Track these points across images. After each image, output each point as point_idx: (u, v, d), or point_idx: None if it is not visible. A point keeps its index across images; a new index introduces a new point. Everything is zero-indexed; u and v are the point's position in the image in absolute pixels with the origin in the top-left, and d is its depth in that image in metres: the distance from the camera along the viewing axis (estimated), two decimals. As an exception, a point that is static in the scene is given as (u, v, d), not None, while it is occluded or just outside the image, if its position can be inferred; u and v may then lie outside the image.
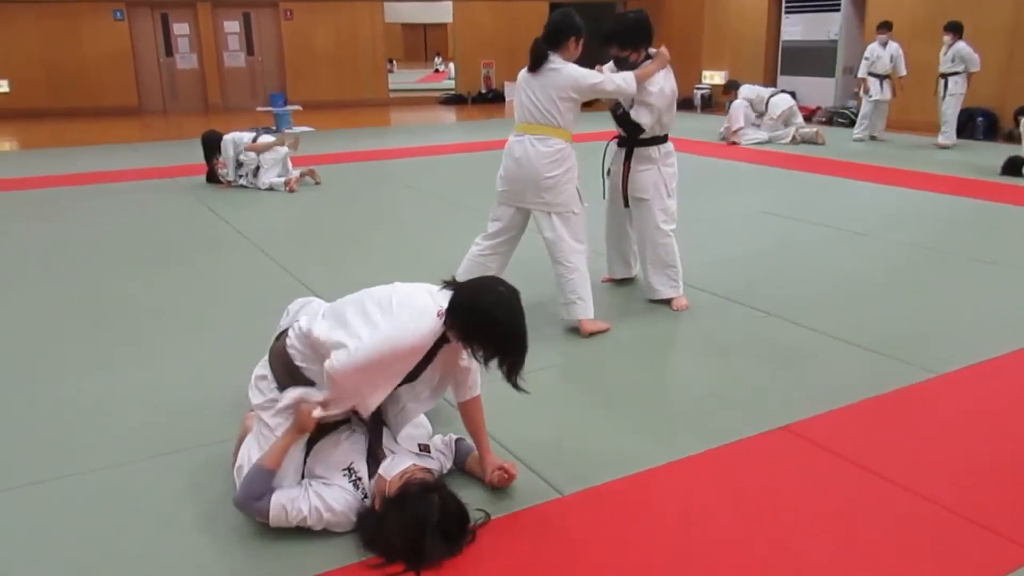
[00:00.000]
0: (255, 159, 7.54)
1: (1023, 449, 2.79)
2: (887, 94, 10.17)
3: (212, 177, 7.78)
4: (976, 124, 10.48)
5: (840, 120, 12.10)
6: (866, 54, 10.16)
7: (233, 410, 2.91)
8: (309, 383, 2.40)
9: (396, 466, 2.29)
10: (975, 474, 2.62)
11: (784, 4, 13.80)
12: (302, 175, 7.71)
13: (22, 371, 3.52)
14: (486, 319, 2.25)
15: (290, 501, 2.25)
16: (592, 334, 3.83)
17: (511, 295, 2.30)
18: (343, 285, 4.51)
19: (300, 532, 2.31)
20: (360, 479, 2.33)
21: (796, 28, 13.60)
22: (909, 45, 10.15)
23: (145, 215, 6.59)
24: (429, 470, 2.33)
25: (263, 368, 2.53)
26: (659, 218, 4.16)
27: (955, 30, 9.45)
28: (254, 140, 7.59)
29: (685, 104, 14.89)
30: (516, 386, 2.33)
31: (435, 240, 5.74)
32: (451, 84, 18.63)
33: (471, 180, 8.20)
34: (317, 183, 7.74)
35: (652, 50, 4.01)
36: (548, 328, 3.93)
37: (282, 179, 7.51)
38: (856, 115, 11.59)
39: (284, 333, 2.55)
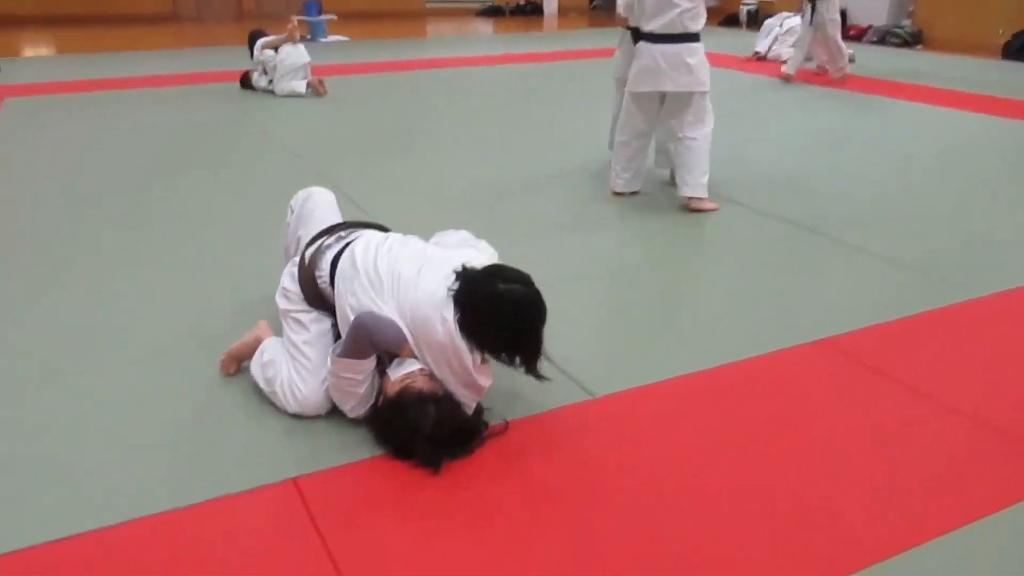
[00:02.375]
0: (273, 58, 7.37)
1: (1069, 369, 2.71)
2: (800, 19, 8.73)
3: (246, 83, 7.68)
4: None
5: (893, 40, 11.61)
6: None
7: (264, 310, 2.92)
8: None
9: (401, 368, 2.24)
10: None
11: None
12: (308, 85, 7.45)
13: (56, 266, 3.54)
14: (491, 327, 2.16)
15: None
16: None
17: (516, 290, 2.16)
18: (376, 190, 4.54)
19: (328, 422, 2.33)
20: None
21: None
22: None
23: (181, 118, 6.55)
24: (433, 376, 2.24)
25: (292, 282, 2.50)
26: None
27: None
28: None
29: (731, 20, 14.40)
30: (537, 376, 2.26)
31: (471, 149, 5.65)
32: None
33: (509, 91, 8.04)
34: (322, 94, 7.45)
35: None
36: (591, 235, 3.89)
37: (304, 80, 7.37)
38: (909, 35, 11.17)
39: (313, 252, 2.50)
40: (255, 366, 2.51)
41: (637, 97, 4.24)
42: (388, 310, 2.22)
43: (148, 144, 5.70)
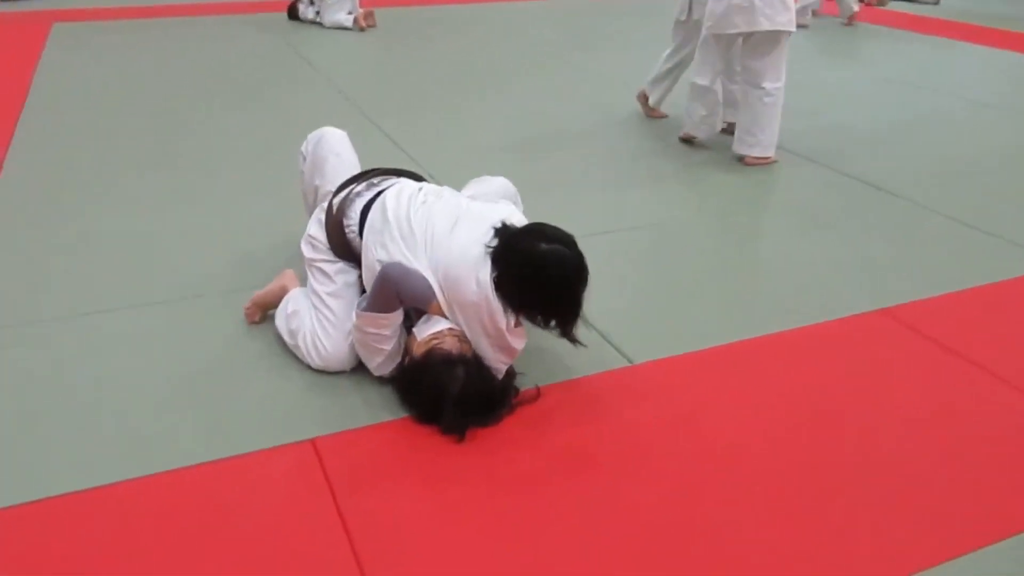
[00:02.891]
0: None
1: None
2: None
3: (293, 14, 7.51)
4: None
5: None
6: None
7: (293, 256, 2.81)
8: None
9: (428, 327, 2.10)
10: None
11: None
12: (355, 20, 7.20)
13: (82, 203, 3.46)
14: (530, 288, 2.02)
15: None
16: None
17: (558, 251, 2.02)
18: (418, 131, 4.37)
19: (351, 380, 2.22)
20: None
21: None
22: None
23: (225, 50, 6.42)
24: (463, 336, 2.10)
25: (319, 230, 2.37)
26: None
27: None
28: None
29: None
30: (573, 341, 2.13)
31: (522, 91, 5.39)
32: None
33: (567, 30, 7.71)
34: (366, 27, 7.17)
35: None
36: (637, 189, 3.69)
37: (351, 16, 7.16)
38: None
39: (341, 200, 2.36)
40: (280, 317, 2.41)
41: (721, 39, 3.89)
42: (420, 266, 2.09)
43: (191, 75, 5.60)
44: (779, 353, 2.42)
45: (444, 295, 2.09)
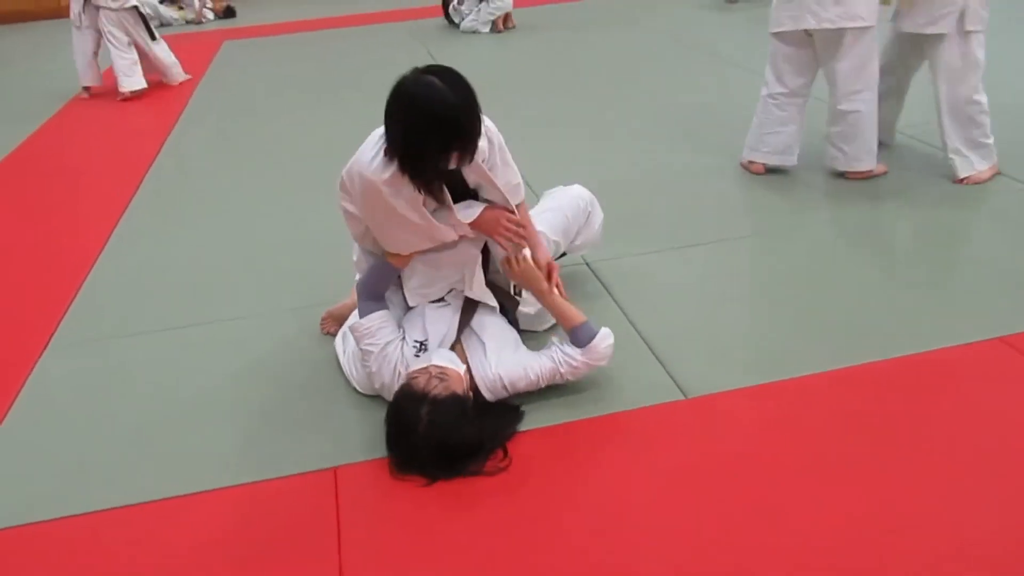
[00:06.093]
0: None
1: None
2: None
3: (449, 18, 7.65)
4: None
5: None
6: None
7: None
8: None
9: (421, 361, 2.05)
10: None
11: None
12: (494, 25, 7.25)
13: (203, 204, 3.75)
14: (395, 109, 1.95)
15: (379, 326, 2.14)
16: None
17: (428, 77, 1.94)
18: (523, 142, 4.10)
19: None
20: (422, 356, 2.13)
21: None
22: None
23: (363, 55, 6.74)
24: (445, 375, 1.98)
25: (357, 248, 2.36)
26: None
27: None
28: None
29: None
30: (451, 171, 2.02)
31: (662, 96, 5.05)
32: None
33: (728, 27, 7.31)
34: (510, 27, 7.29)
35: None
36: (741, 191, 3.42)
37: (491, 17, 7.15)
38: None
39: None
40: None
41: (781, 38, 3.32)
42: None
43: (321, 80, 5.91)
44: (854, 385, 2.13)
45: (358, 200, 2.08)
